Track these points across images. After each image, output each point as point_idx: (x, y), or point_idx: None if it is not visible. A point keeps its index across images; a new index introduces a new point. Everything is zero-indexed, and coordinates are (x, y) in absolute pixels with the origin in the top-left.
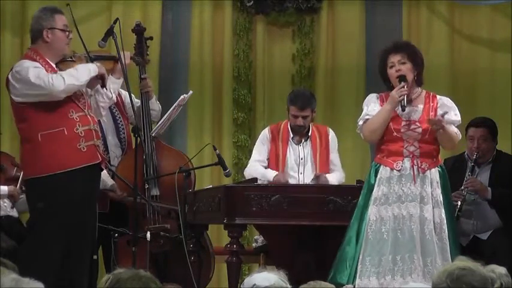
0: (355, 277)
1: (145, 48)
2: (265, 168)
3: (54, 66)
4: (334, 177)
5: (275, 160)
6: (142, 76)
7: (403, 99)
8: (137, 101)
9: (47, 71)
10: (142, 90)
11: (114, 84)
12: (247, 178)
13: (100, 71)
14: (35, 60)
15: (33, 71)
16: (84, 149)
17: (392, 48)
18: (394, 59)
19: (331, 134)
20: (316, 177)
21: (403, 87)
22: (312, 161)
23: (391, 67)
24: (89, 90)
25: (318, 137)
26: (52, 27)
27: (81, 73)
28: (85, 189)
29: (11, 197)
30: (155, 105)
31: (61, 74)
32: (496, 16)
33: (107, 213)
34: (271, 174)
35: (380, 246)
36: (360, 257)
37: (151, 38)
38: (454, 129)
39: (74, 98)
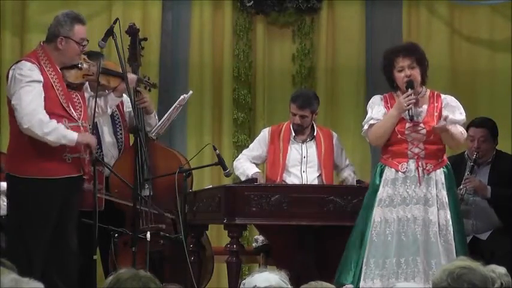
0: (359, 279)
1: (139, 49)
2: (256, 165)
3: (59, 70)
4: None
5: (273, 159)
6: (138, 88)
7: (411, 107)
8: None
9: (49, 74)
10: (139, 105)
11: (112, 101)
12: (234, 169)
13: (83, 141)
14: (39, 61)
15: (26, 89)
16: (69, 160)
17: (401, 51)
18: (404, 63)
19: (335, 138)
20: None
21: (411, 94)
22: (316, 161)
23: (400, 71)
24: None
25: (323, 138)
26: (68, 36)
27: (56, 135)
28: (62, 199)
29: None
30: (153, 120)
31: (42, 120)
32: (495, 16)
33: (103, 213)
34: (250, 172)
35: (384, 248)
36: (364, 259)
37: (145, 39)
38: (459, 129)
39: (70, 106)
